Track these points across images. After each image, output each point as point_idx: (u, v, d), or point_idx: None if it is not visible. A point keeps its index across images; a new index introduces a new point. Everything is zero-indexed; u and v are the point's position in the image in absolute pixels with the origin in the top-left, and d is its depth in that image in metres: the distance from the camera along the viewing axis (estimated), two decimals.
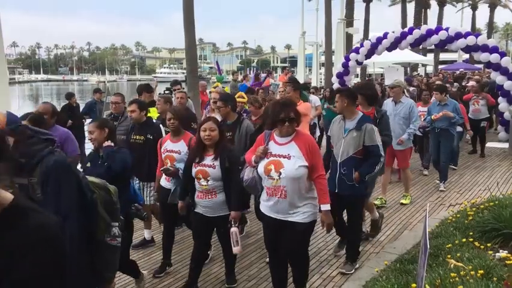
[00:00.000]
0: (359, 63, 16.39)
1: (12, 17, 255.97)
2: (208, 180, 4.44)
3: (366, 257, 5.55)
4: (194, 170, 4.50)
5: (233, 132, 5.84)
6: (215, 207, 4.53)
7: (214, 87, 10.15)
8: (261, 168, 4.03)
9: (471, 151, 11.94)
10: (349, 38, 27.52)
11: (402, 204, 7.61)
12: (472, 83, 13.99)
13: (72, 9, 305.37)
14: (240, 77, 19.87)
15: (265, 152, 4.03)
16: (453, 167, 9.94)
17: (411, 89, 13.39)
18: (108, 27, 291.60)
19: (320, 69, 31.34)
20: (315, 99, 11.22)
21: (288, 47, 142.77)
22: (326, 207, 4.03)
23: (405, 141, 7.53)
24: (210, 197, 4.50)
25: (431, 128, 8.86)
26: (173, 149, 5.19)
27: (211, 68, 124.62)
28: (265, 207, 4.16)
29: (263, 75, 19.18)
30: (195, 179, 4.53)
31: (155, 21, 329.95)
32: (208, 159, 4.46)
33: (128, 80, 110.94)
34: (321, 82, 27.89)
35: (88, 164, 4.49)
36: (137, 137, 5.87)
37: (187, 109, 7.38)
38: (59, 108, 9.16)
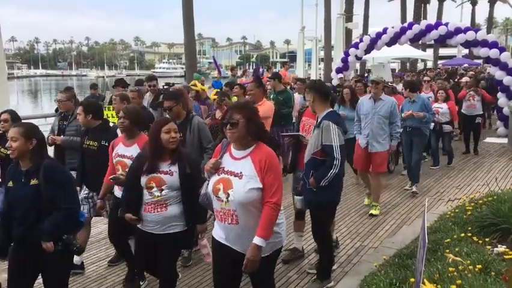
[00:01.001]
0: (358, 58, 16.40)
1: (11, 11, 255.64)
2: (162, 190, 3.80)
3: (364, 252, 5.56)
4: (144, 178, 3.83)
5: (183, 132, 5.07)
6: (164, 222, 3.85)
7: (192, 85, 9.42)
8: (210, 186, 3.33)
9: (464, 152, 11.23)
10: (348, 33, 27.50)
11: (371, 215, 6.84)
12: (466, 78, 13.85)
13: (71, 4, 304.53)
14: (239, 72, 19.81)
15: (216, 167, 3.31)
16: (447, 165, 9.88)
17: (400, 85, 12.65)
18: (107, 22, 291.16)
19: (319, 64, 31.29)
20: (297, 97, 9.95)
21: (288, 42, 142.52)
22: (259, 241, 3.12)
23: (385, 144, 6.91)
24: (159, 210, 3.83)
25: (402, 127, 8.05)
26: (126, 153, 4.52)
27: (210, 63, 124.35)
28: (217, 233, 3.41)
29: (262, 69, 19.13)
30: (144, 189, 3.86)
31: (154, 16, 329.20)
32: (164, 166, 3.83)
33: (127, 75, 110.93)
34: (320, 77, 27.86)
35: (10, 184, 3.57)
36: (90, 143, 5.13)
37: (144, 108, 6.61)
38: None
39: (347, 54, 16.51)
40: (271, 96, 8.82)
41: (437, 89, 10.56)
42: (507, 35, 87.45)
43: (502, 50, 13.54)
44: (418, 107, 8.03)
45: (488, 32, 37.81)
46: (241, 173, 3.20)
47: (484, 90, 11.78)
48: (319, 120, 4.66)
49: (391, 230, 6.33)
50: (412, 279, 3.80)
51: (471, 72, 18.50)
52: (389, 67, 17.89)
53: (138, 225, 3.95)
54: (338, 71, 16.53)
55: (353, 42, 19.08)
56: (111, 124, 5.48)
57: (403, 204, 7.45)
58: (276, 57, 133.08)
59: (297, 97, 9.69)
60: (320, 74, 29.70)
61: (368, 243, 5.84)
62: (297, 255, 5.36)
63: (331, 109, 4.77)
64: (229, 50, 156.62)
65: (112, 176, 4.46)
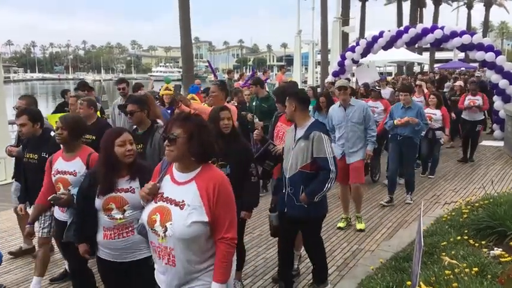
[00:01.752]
0: (354, 61, 16.42)
1: (7, 15, 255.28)
2: (124, 211, 3.28)
3: (361, 255, 5.56)
4: (101, 200, 3.29)
5: (144, 144, 4.59)
6: (133, 247, 3.33)
7: (165, 89, 8.70)
8: (145, 215, 2.70)
9: (461, 158, 10.87)
10: (345, 36, 27.52)
11: (360, 230, 6.44)
12: (459, 82, 13.55)
13: (67, 8, 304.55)
14: (236, 76, 19.80)
15: (153, 192, 2.69)
16: (430, 176, 9.39)
17: (387, 89, 12.23)
18: (104, 26, 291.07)
19: (316, 67, 31.33)
20: None
21: (284, 45, 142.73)
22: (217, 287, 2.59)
23: (362, 151, 6.50)
24: (125, 235, 3.31)
25: (392, 135, 7.78)
26: (67, 169, 4.00)
27: (207, 66, 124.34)
28: (157, 271, 2.78)
29: (259, 73, 19.12)
30: (101, 212, 3.32)
31: (151, 19, 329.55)
32: (123, 182, 3.31)
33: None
34: (317, 81, 27.91)
35: None
36: (31, 155, 4.69)
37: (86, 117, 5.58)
38: (54, 106, 9.13)
39: (343, 57, 16.53)
40: (254, 103, 8.37)
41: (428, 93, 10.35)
42: (503, 39, 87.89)
43: (497, 53, 13.60)
44: (414, 115, 7.43)
45: (484, 35, 37.90)
46: (183, 201, 2.57)
47: (486, 97, 11.25)
48: (304, 130, 4.32)
49: (388, 233, 6.34)
50: (409, 283, 3.80)
51: (464, 76, 18.38)
52: (374, 66, 17.59)
53: (98, 255, 3.43)
54: (335, 74, 16.56)
55: (350, 45, 19.09)
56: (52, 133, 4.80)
57: (400, 207, 7.46)
58: (273, 61, 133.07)
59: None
60: (317, 78, 29.73)
61: (364, 247, 5.84)
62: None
63: (313, 118, 4.54)
64: (226, 54, 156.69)
65: (51, 197, 3.89)
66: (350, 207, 6.84)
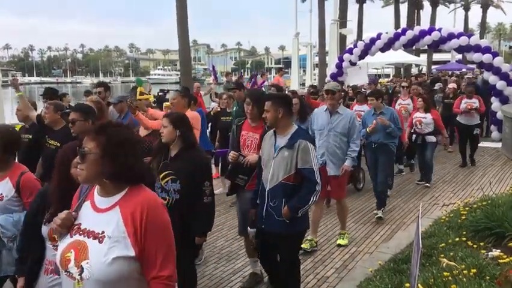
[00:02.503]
0: (352, 64, 16.45)
1: (4, 19, 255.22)
2: None
3: (360, 257, 5.56)
4: (47, 228, 2.79)
5: None
6: None
7: (140, 94, 8.16)
8: (58, 255, 2.17)
9: (461, 164, 10.45)
10: (343, 39, 27.56)
11: (339, 245, 5.90)
12: (452, 85, 13.10)
13: (65, 11, 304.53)
14: (234, 78, 19.81)
15: (66, 224, 2.16)
16: (427, 184, 8.76)
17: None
18: (102, 29, 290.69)
19: (314, 70, 31.39)
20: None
21: (282, 48, 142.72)
22: None
23: (351, 166, 5.95)
24: None
25: (367, 143, 7.32)
26: None
27: (205, 69, 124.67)
28: None
29: (258, 76, 19.11)
30: (48, 242, 2.88)
31: (149, 22, 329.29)
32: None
33: (122, 82, 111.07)
34: (315, 83, 27.92)
35: None
36: None
37: (52, 122, 5.17)
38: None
39: (341, 59, 16.56)
40: (234, 109, 7.88)
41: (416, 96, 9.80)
42: (500, 40, 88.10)
43: (495, 54, 13.63)
44: (388, 119, 6.98)
45: (481, 37, 38.01)
46: (102, 233, 2.05)
47: (481, 100, 10.74)
48: (288, 139, 3.95)
49: (386, 235, 6.34)
50: (407, 284, 3.81)
51: (453, 78, 17.88)
52: (366, 69, 17.39)
53: None
54: (333, 76, 16.59)
55: (347, 47, 19.14)
56: None
57: (398, 209, 7.46)
58: (271, 63, 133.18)
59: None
60: (315, 80, 29.77)
61: (363, 249, 5.84)
62: (257, 280, 4.91)
63: (296, 126, 4.13)
64: (224, 56, 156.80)
65: None
66: (333, 225, 6.62)
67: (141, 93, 6.48)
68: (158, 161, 3.97)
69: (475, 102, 10.42)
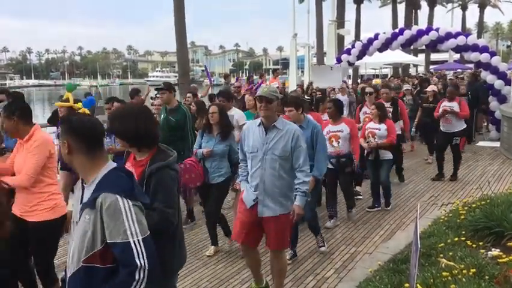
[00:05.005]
0: (350, 64, 16.50)
1: (2, 22, 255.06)
2: None
3: (359, 258, 5.56)
4: None
5: None
6: None
7: (63, 100, 7.07)
8: None
9: (436, 176, 9.19)
10: (340, 39, 27.63)
11: None
12: (431, 87, 10.89)
13: (63, 14, 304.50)
14: (232, 80, 19.83)
15: None
16: (385, 208, 7.40)
17: (345, 97, 11.01)
18: (99, 31, 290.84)
19: None
20: (238, 114, 6.85)
21: (280, 49, 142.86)
22: None
23: (287, 203, 4.22)
24: None
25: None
26: None
27: (203, 71, 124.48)
28: None
29: (256, 77, 19.14)
30: None
31: (147, 24, 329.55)
32: None
33: (120, 84, 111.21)
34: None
35: None
36: None
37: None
38: (50, 112, 8.97)
39: (339, 60, 16.60)
40: (162, 117, 6.65)
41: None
42: (497, 39, 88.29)
43: (492, 54, 13.66)
44: (307, 137, 5.04)
45: (479, 36, 38.02)
46: None
47: (464, 101, 9.45)
48: (92, 189, 2.36)
49: (385, 235, 6.33)
50: (407, 285, 3.81)
51: (434, 79, 16.71)
52: (341, 70, 16.01)
53: None
54: None
55: (345, 48, 19.19)
56: None
57: (397, 209, 7.46)
58: (269, 64, 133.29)
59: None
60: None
61: (362, 249, 5.84)
62: None
63: (113, 164, 2.46)
64: (222, 58, 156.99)
65: None
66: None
67: (63, 100, 6.13)
68: None
69: (453, 106, 8.92)
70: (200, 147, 5.72)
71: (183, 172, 5.45)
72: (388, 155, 7.34)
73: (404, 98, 11.29)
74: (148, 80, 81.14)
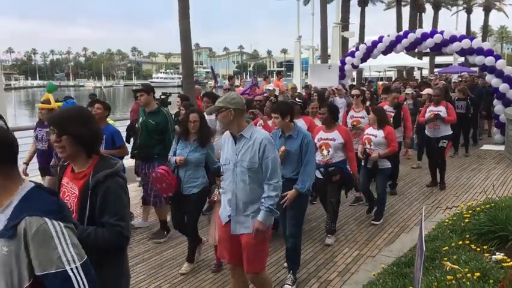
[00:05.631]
0: (354, 66, 16.45)
1: (7, 23, 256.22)
2: None
3: (363, 261, 5.55)
4: None
5: None
6: None
7: (42, 102, 6.83)
8: None
9: (430, 183, 8.96)
10: (345, 41, 27.64)
11: None
12: (427, 90, 10.00)
13: (68, 15, 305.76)
14: (237, 82, 19.81)
15: None
16: (374, 222, 6.81)
17: (343, 100, 10.47)
18: (104, 33, 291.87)
19: None
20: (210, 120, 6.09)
21: (284, 51, 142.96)
22: None
23: (265, 223, 3.83)
24: None
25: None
26: None
27: (207, 72, 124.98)
28: None
29: (260, 79, 19.14)
30: None
31: (151, 26, 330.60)
32: None
33: (124, 85, 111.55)
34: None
35: None
36: None
37: None
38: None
39: (343, 62, 16.56)
40: (141, 120, 6.54)
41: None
42: (502, 43, 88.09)
43: (497, 57, 13.62)
44: (296, 147, 4.86)
45: (484, 40, 37.90)
46: None
47: (450, 105, 9.09)
48: (8, 215, 1.97)
49: (389, 238, 6.32)
50: None
51: (441, 82, 15.57)
52: (337, 70, 15.78)
53: None
54: None
55: (349, 50, 19.15)
56: None
57: (401, 212, 7.44)
58: (273, 66, 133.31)
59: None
60: None
61: (366, 252, 5.82)
62: None
63: (31, 183, 2.05)
64: (226, 60, 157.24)
65: None
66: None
67: (44, 102, 5.83)
68: None
69: (440, 111, 8.70)
70: (175, 154, 5.34)
71: (153, 182, 5.33)
72: (386, 164, 6.89)
73: (405, 102, 11.21)
74: (152, 82, 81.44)
